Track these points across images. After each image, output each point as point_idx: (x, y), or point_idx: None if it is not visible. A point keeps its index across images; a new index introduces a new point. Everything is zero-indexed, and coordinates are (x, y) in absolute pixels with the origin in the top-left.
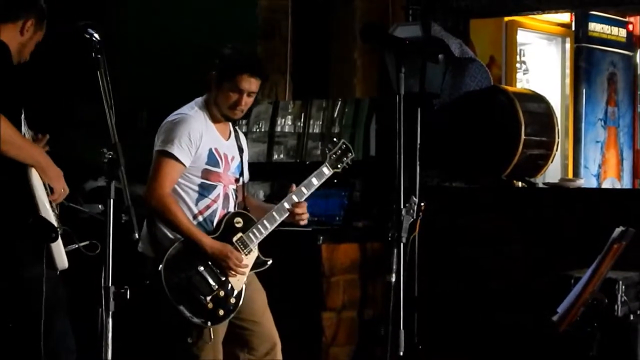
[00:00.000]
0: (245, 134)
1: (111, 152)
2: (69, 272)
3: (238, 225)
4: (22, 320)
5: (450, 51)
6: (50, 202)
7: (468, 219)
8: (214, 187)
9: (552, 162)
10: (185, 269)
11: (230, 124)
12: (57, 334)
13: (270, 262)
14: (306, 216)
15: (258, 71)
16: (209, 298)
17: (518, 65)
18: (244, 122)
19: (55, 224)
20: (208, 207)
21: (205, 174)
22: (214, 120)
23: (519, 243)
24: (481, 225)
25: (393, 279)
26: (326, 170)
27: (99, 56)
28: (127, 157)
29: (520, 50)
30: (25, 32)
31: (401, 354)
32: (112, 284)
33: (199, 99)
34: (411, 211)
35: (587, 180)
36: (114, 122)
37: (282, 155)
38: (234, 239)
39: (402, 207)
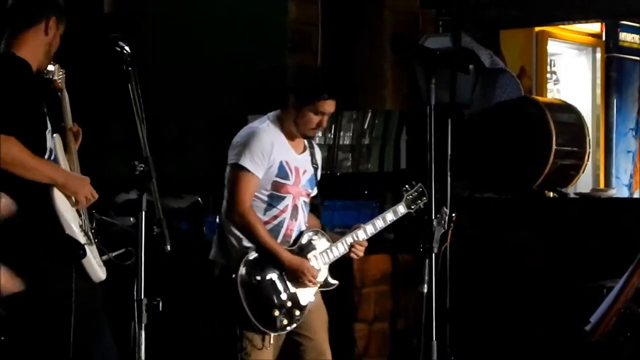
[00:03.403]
0: None
1: (142, 165)
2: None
3: (314, 243)
4: (52, 333)
5: (481, 62)
6: (81, 215)
7: (499, 230)
8: (283, 198)
9: (583, 172)
10: (259, 276)
11: (305, 140)
12: (95, 345)
13: (337, 284)
14: (361, 254)
15: (337, 93)
16: (276, 307)
17: (548, 75)
18: None
19: (83, 240)
20: (275, 217)
21: (275, 185)
22: (288, 135)
23: (551, 253)
24: (512, 236)
25: (425, 290)
26: (402, 209)
27: (130, 69)
28: (157, 170)
29: (551, 60)
30: (49, 30)
31: None
32: (144, 296)
33: (271, 114)
34: (442, 222)
35: (618, 190)
36: (145, 135)
37: None
38: (310, 255)
39: (433, 217)
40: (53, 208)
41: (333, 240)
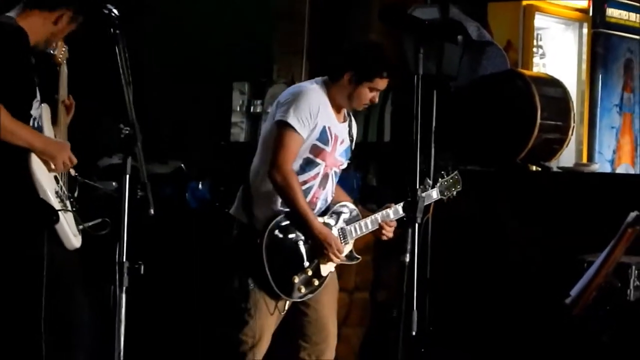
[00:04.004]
0: (260, 114)
1: (128, 128)
2: (84, 249)
3: (345, 216)
4: (23, 297)
5: (468, 34)
6: (59, 182)
7: (482, 202)
8: (317, 165)
9: (567, 146)
10: (285, 240)
11: (345, 110)
12: (70, 307)
13: (360, 259)
14: (391, 235)
15: (394, 70)
16: (297, 273)
17: (535, 49)
18: (259, 102)
19: (58, 206)
20: (305, 182)
21: (314, 149)
22: (333, 103)
23: (533, 226)
24: (495, 208)
25: (407, 259)
26: (435, 195)
27: (118, 32)
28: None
29: (538, 34)
30: (60, 22)
31: (414, 333)
32: (126, 259)
33: (319, 79)
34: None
35: (601, 166)
36: (132, 98)
37: None
38: (337, 226)
39: (417, 188)
40: (28, 172)
41: (363, 216)
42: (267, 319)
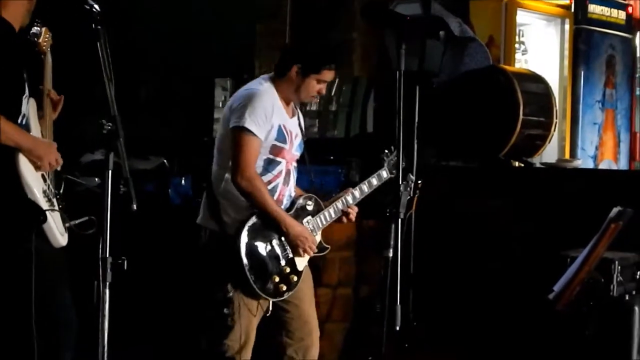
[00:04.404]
0: None
1: (110, 124)
2: (67, 245)
3: (309, 208)
4: (13, 293)
5: (450, 30)
6: (46, 180)
7: (465, 197)
8: (278, 163)
9: (549, 142)
10: (260, 241)
11: (292, 103)
12: (57, 306)
13: (329, 248)
14: (353, 219)
15: (340, 62)
16: (276, 273)
17: (517, 45)
18: None
19: (45, 205)
20: (270, 182)
21: (273, 149)
22: (282, 99)
23: (516, 222)
24: (478, 204)
25: (390, 254)
26: (385, 174)
27: (99, 27)
28: (125, 130)
29: (520, 30)
30: None
31: (398, 328)
32: (109, 255)
33: (265, 77)
34: (408, 188)
35: (584, 162)
36: (114, 94)
37: None
38: (304, 220)
39: (400, 183)
40: (16, 172)
41: (324, 206)
42: (250, 321)
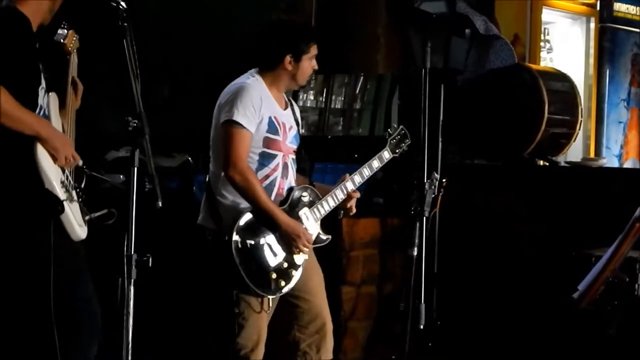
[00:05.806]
0: None
1: (136, 121)
2: (91, 241)
3: (305, 200)
4: (32, 284)
5: (475, 28)
6: (64, 172)
7: (489, 196)
8: (274, 156)
9: (574, 141)
10: (254, 239)
11: (284, 95)
12: (79, 300)
13: (329, 238)
14: (354, 206)
15: (314, 29)
16: (273, 269)
17: (542, 44)
18: None
19: (63, 196)
20: (267, 176)
21: (266, 142)
22: (273, 91)
23: (540, 221)
24: (502, 202)
25: (415, 253)
26: (387, 155)
27: (125, 24)
28: (149, 127)
29: (545, 29)
30: None
31: (421, 327)
32: (134, 252)
33: (252, 71)
34: (433, 187)
35: (609, 160)
36: (139, 91)
37: (303, 130)
38: (300, 212)
39: (425, 181)
40: (34, 161)
41: (323, 194)
42: (259, 319)
